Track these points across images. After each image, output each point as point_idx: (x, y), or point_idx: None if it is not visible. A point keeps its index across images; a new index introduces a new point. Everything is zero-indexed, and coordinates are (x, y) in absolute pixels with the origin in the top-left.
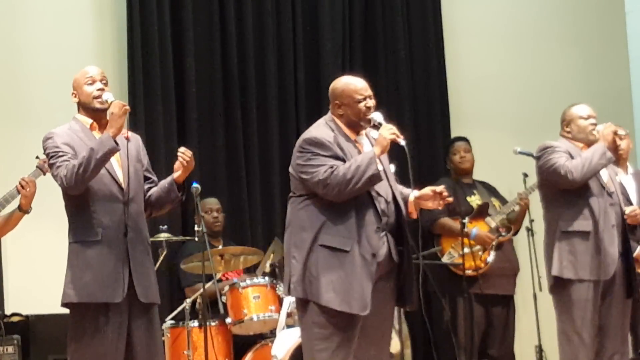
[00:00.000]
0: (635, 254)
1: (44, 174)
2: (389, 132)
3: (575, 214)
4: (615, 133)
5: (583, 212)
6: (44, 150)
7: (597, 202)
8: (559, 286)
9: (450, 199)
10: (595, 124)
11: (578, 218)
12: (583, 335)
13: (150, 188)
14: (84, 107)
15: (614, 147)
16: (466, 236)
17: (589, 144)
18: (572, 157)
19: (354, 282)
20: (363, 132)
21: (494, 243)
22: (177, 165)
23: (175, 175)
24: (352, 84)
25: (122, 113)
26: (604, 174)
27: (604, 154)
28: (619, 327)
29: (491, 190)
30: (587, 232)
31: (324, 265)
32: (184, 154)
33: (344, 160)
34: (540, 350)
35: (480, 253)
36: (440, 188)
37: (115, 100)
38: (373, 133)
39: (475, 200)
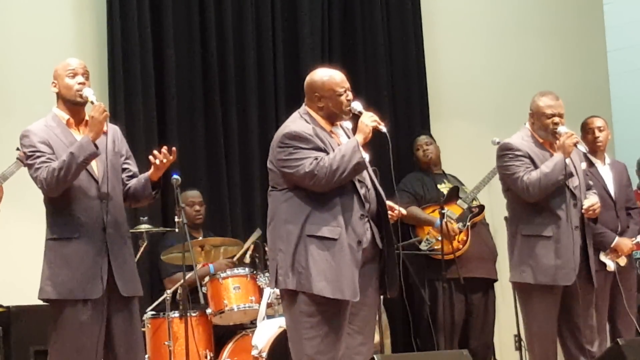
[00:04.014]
0: (613, 244)
1: (25, 165)
2: (370, 119)
3: (536, 218)
4: (575, 145)
5: (545, 217)
6: (21, 147)
7: (560, 205)
8: (520, 288)
9: (395, 215)
10: (557, 123)
11: (539, 223)
12: (545, 331)
13: (130, 178)
14: (63, 98)
15: (592, 139)
16: (430, 224)
17: (549, 141)
18: (532, 161)
19: (344, 269)
20: (338, 123)
21: (468, 216)
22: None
23: (150, 172)
24: (332, 76)
25: (102, 118)
26: (568, 163)
27: (562, 170)
28: (590, 322)
29: (460, 183)
30: (548, 237)
31: (313, 255)
32: (158, 155)
33: (325, 152)
34: (519, 339)
35: (457, 231)
36: (393, 206)
37: (97, 102)
38: (346, 123)
39: (445, 187)
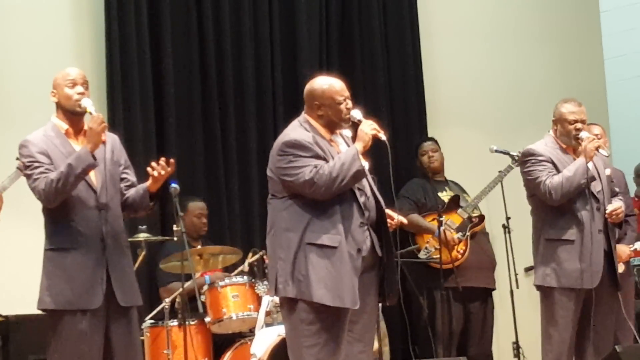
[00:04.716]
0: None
1: (24, 175)
2: (369, 127)
3: (560, 222)
4: (597, 149)
5: (568, 221)
6: (20, 157)
7: (583, 209)
8: (542, 291)
9: (394, 224)
10: (580, 129)
11: (562, 227)
12: (563, 335)
13: (128, 187)
14: (62, 108)
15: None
16: (431, 232)
17: (573, 147)
18: (555, 166)
19: (344, 277)
20: (337, 131)
21: (468, 226)
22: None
23: (148, 183)
24: (332, 85)
25: (100, 129)
26: (590, 168)
27: (584, 173)
28: (610, 326)
29: (462, 190)
30: (571, 241)
31: (313, 263)
32: (156, 167)
33: (325, 160)
34: (517, 346)
35: (456, 240)
36: (392, 215)
37: (95, 113)
38: (346, 132)
39: (446, 195)
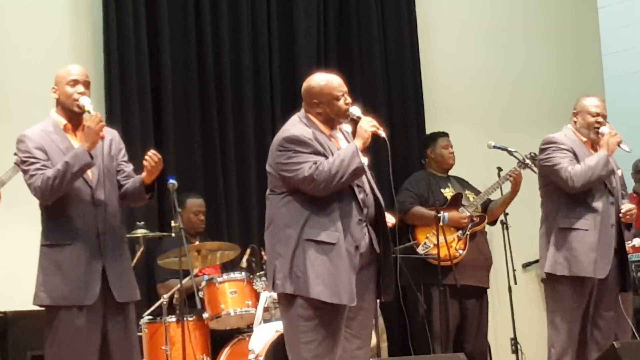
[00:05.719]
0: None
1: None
2: (369, 124)
3: (575, 211)
4: (618, 144)
5: (582, 211)
6: (17, 152)
7: (598, 201)
8: (552, 280)
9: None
10: (600, 123)
11: (577, 216)
12: (571, 326)
13: (126, 178)
14: (62, 105)
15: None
16: (440, 221)
17: (591, 140)
18: (575, 156)
19: (342, 273)
20: (337, 126)
21: (469, 225)
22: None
23: (142, 175)
24: (330, 81)
25: (98, 128)
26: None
27: (606, 165)
28: (612, 321)
29: (464, 184)
30: (584, 230)
31: (311, 259)
32: (151, 157)
33: (324, 156)
34: (515, 342)
35: (456, 238)
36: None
37: (93, 112)
38: (346, 127)
39: (449, 192)
